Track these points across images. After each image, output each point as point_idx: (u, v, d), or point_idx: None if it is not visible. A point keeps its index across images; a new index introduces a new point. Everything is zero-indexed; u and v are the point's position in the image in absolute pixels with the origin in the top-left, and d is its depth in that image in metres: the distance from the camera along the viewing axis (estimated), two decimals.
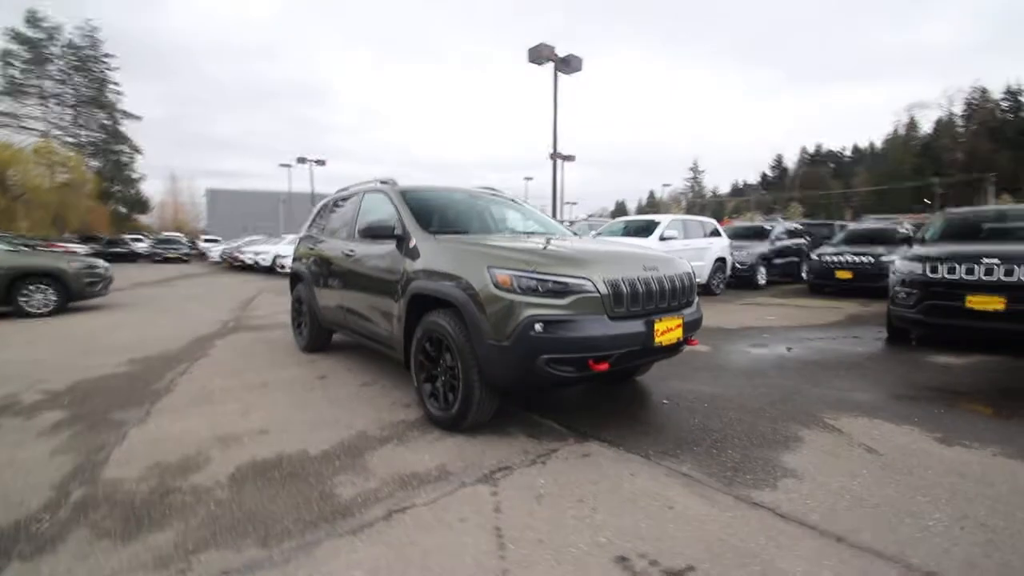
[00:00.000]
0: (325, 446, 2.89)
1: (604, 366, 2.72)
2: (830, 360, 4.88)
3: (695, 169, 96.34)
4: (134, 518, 2.16)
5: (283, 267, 16.90)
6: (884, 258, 9.41)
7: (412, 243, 3.51)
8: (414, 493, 2.35)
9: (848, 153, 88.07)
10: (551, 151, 26.49)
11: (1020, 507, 2.19)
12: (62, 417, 3.38)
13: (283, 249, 18.45)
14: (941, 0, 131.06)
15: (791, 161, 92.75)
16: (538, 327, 2.64)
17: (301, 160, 33.83)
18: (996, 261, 4.88)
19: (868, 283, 9.51)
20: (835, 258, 10.28)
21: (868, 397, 3.71)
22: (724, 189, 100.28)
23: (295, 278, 5.59)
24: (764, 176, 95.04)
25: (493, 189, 5.03)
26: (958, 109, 70.97)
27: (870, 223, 15.32)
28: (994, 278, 4.85)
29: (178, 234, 41.01)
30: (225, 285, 14.55)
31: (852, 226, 13.52)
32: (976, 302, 4.90)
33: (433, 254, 3.30)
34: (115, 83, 49.08)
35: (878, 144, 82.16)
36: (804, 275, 12.61)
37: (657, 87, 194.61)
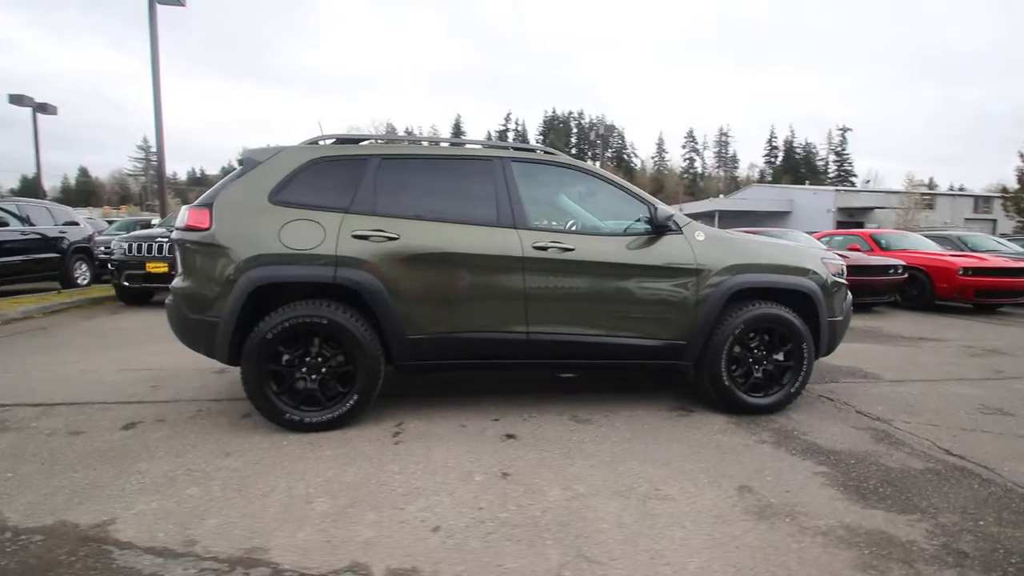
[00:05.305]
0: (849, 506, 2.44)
1: None
2: None
3: (145, 147, 77.91)
4: None
5: None
6: None
7: (698, 235, 3.35)
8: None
9: None
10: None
11: (945, 366, 4.76)
12: None
13: None
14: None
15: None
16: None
17: None
18: None
19: None
20: None
21: None
22: (182, 176, 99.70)
23: (264, 293, 3.02)
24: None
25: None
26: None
27: None
28: None
29: None
30: None
31: None
32: None
33: (734, 247, 3.40)
34: None
35: None
36: None
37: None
